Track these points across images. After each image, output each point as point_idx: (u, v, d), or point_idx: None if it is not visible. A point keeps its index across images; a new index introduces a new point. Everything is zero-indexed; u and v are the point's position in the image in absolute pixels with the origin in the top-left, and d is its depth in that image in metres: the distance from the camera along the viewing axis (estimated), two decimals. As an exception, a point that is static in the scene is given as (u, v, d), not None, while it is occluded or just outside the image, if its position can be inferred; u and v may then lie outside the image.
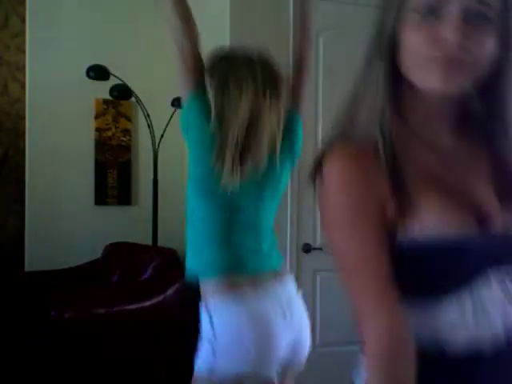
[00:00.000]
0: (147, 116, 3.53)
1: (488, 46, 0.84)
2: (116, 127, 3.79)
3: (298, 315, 1.60)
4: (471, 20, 0.83)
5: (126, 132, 3.81)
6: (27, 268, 3.60)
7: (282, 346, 1.54)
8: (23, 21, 3.64)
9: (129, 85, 3.43)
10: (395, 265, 0.83)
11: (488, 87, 0.89)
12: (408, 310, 0.84)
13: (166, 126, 3.58)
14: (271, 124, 1.59)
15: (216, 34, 3.45)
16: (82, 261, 3.51)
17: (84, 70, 3.32)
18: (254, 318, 1.49)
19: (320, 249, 3.18)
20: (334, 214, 0.87)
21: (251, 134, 1.57)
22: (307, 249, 3.10)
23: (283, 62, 3.28)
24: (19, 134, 3.65)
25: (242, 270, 1.54)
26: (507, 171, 0.92)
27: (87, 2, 3.73)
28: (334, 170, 0.86)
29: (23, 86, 3.66)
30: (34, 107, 3.64)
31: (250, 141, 1.57)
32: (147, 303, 2.82)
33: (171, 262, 3.17)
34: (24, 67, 3.65)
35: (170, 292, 2.89)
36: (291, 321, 1.56)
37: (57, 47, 3.67)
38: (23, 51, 3.65)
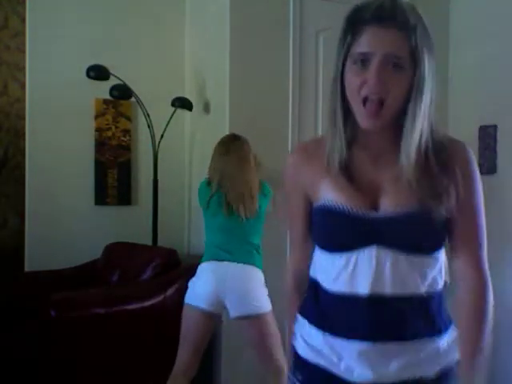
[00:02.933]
0: (147, 116, 3.53)
1: (401, 85, 1.18)
2: (116, 127, 3.79)
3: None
4: (388, 68, 1.16)
5: (126, 132, 3.81)
6: (27, 268, 3.60)
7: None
8: (23, 21, 3.64)
9: (129, 85, 3.43)
10: (314, 218, 1.32)
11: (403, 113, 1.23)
12: (324, 256, 1.31)
13: (166, 126, 3.57)
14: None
15: (216, 33, 3.45)
16: (82, 261, 3.51)
17: (84, 69, 3.32)
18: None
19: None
20: (285, 194, 1.42)
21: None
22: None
23: (283, 62, 3.29)
24: (19, 134, 3.65)
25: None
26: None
27: (87, 2, 3.73)
28: (286, 161, 1.40)
29: (23, 86, 3.65)
30: (34, 107, 3.64)
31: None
32: (147, 303, 2.82)
33: (171, 262, 3.17)
34: (24, 67, 3.65)
35: (169, 292, 2.89)
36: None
37: (57, 47, 3.67)
38: (23, 51, 3.65)
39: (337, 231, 1.27)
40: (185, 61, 3.94)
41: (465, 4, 3.59)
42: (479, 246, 1.31)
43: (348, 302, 1.25)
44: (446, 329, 1.30)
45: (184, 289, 2.61)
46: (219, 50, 3.32)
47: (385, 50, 1.15)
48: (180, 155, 3.90)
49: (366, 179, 1.27)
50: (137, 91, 3.47)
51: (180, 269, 3.11)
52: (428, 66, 1.19)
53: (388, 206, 1.23)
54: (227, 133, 2.95)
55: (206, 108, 3.59)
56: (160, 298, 2.85)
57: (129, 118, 3.81)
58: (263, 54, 3.23)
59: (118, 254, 3.43)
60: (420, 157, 1.24)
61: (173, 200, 3.83)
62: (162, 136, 3.58)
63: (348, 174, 1.27)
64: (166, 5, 3.89)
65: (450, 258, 1.33)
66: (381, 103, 1.18)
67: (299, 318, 1.38)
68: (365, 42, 1.17)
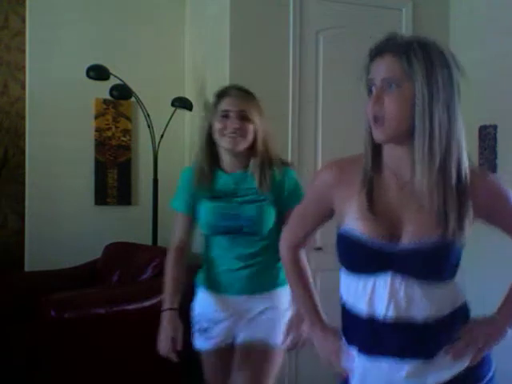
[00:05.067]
0: (147, 116, 3.53)
1: (398, 99, 1.30)
2: (116, 127, 3.79)
3: None
4: (385, 90, 1.31)
5: (126, 132, 3.81)
6: (27, 268, 3.60)
7: None
8: (23, 21, 3.64)
9: (129, 85, 3.43)
10: (338, 242, 1.40)
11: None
12: (348, 277, 1.40)
13: (166, 126, 3.58)
14: None
15: (216, 33, 3.45)
16: (82, 261, 3.51)
17: (84, 69, 3.32)
18: None
19: (320, 249, 3.19)
20: (306, 193, 1.60)
21: None
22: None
23: (283, 62, 3.29)
24: (19, 134, 3.65)
25: None
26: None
27: (87, 2, 3.73)
28: (317, 174, 1.55)
29: (23, 86, 3.66)
30: (34, 107, 3.64)
31: None
32: (147, 303, 2.82)
33: (171, 261, 3.17)
34: (24, 67, 3.65)
35: (170, 292, 2.89)
36: None
37: (57, 47, 3.67)
38: (23, 51, 3.65)
39: (356, 258, 1.38)
40: (185, 61, 3.94)
41: (465, 4, 3.59)
42: None
43: (367, 321, 1.37)
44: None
45: (184, 289, 2.61)
46: (219, 50, 3.32)
47: (380, 76, 1.33)
48: (180, 155, 3.90)
49: (391, 207, 1.36)
50: (137, 91, 3.47)
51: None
52: (425, 82, 1.30)
53: (407, 239, 1.32)
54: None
55: (206, 108, 3.59)
56: (160, 298, 2.85)
57: (129, 118, 3.81)
58: (263, 54, 3.23)
59: (118, 254, 3.43)
60: (443, 184, 1.32)
61: (173, 200, 3.83)
62: (161, 136, 3.58)
63: (374, 199, 1.36)
64: (166, 5, 3.89)
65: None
66: (382, 119, 1.32)
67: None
68: (371, 72, 1.37)
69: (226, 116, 2.03)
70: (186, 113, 3.72)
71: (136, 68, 3.72)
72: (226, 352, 2.09)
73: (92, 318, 2.73)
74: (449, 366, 1.36)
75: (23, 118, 3.65)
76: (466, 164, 1.40)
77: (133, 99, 3.55)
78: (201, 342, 2.11)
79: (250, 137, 2.05)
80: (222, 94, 2.10)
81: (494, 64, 3.35)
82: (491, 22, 3.39)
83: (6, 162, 3.62)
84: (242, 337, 2.07)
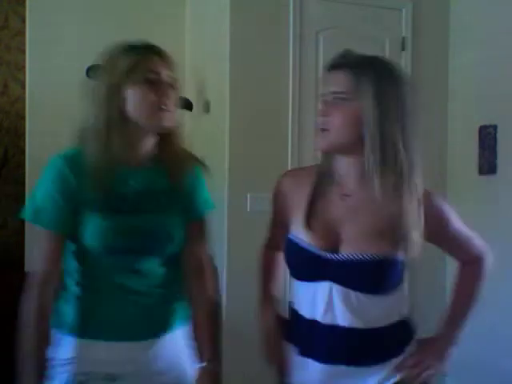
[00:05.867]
0: (147, 116, 3.53)
1: (345, 113, 1.36)
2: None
3: None
4: (334, 103, 1.38)
5: (126, 132, 3.80)
6: (27, 268, 3.60)
7: None
8: (23, 21, 3.64)
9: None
10: (285, 248, 1.49)
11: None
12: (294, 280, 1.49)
13: (166, 125, 3.57)
14: None
15: (216, 33, 3.45)
16: (82, 261, 3.50)
17: (84, 69, 3.31)
18: None
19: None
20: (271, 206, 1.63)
21: None
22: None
23: (282, 62, 3.29)
24: (19, 134, 3.65)
25: None
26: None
27: (87, 2, 3.73)
28: (276, 183, 1.58)
29: (23, 86, 3.65)
30: (34, 107, 3.63)
31: None
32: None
33: (171, 261, 3.16)
34: (24, 67, 3.65)
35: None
36: None
37: (57, 47, 3.66)
38: (23, 51, 3.65)
39: (298, 264, 1.46)
40: (185, 61, 3.94)
41: (465, 4, 3.59)
42: (471, 245, 1.57)
43: (309, 325, 1.44)
44: (396, 355, 1.46)
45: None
46: (219, 50, 3.32)
47: (330, 89, 1.40)
48: (180, 155, 3.89)
49: (332, 218, 1.42)
50: (137, 91, 3.47)
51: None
52: (374, 101, 1.33)
53: (346, 251, 1.38)
54: (227, 133, 2.95)
55: (206, 108, 3.59)
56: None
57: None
58: (263, 54, 3.23)
59: (118, 253, 3.42)
60: (388, 200, 1.36)
61: (173, 200, 3.83)
62: (162, 136, 3.57)
63: (318, 210, 1.43)
64: (166, 5, 3.89)
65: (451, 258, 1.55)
66: (327, 130, 1.39)
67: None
68: (324, 84, 1.45)
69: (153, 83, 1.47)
70: (186, 113, 3.72)
71: (136, 68, 3.72)
72: None
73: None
74: (376, 377, 1.42)
75: (23, 118, 3.64)
76: (419, 183, 1.39)
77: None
78: None
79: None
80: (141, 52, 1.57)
81: (494, 64, 3.35)
82: (491, 21, 3.39)
83: (6, 162, 3.62)
84: None
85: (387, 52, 3.52)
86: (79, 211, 1.44)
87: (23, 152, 3.64)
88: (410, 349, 1.49)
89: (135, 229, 1.45)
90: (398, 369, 1.44)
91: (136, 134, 1.47)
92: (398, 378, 1.43)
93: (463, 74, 3.57)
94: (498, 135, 3.30)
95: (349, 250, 1.38)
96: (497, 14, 3.36)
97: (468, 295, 1.58)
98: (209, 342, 1.57)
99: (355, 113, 1.36)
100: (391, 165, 1.34)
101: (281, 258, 1.59)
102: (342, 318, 1.38)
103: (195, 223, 1.56)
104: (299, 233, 1.43)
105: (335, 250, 1.39)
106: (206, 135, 3.52)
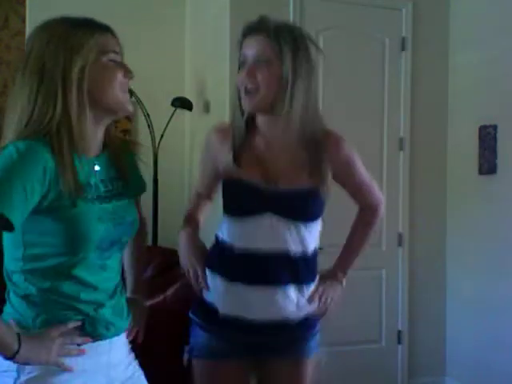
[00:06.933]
0: (147, 116, 3.53)
1: (269, 75, 1.56)
2: (116, 127, 3.76)
3: None
4: (258, 66, 1.57)
5: (126, 132, 3.81)
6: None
7: None
8: (23, 21, 3.64)
9: (128, 84, 3.42)
10: (223, 190, 1.68)
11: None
12: (229, 218, 1.66)
13: (166, 126, 3.58)
14: None
15: (216, 33, 3.45)
16: (82, 261, 3.50)
17: (84, 69, 3.32)
18: None
19: (320, 249, 3.15)
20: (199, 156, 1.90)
21: None
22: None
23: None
24: (19, 134, 3.65)
25: None
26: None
27: (87, 2, 3.73)
28: (206, 136, 1.78)
29: (23, 86, 3.65)
30: (34, 107, 3.64)
31: None
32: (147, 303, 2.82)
33: (171, 262, 3.16)
34: (24, 67, 3.65)
35: (169, 292, 2.89)
36: None
37: (57, 47, 3.66)
38: (23, 51, 3.65)
39: (240, 200, 1.63)
40: (185, 61, 3.94)
41: (465, 4, 3.59)
42: (371, 192, 1.81)
43: (242, 255, 1.63)
44: (309, 283, 1.69)
45: (184, 289, 2.61)
46: (219, 50, 3.32)
47: (253, 54, 1.59)
48: (180, 155, 3.90)
49: (263, 159, 1.64)
50: (137, 91, 3.47)
51: (180, 269, 3.10)
52: (292, 63, 1.56)
53: (282, 184, 1.60)
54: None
55: (206, 108, 3.59)
56: (160, 298, 2.86)
57: (129, 118, 3.81)
58: (263, 54, 3.23)
59: (118, 253, 3.42)
60: (305, 144, 1.62)
61: (173, 200, 3.83)
62: (161, 136, 3.58)
63: (251, 154, 1.65)
64: (166, 5, 3.89)
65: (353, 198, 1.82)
66: (255, 91, 1.57)
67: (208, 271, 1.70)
68: (243, 48, 1.64)
69: None
70: (186, 113, 3.72)
71: (136, 68, 3.69)
72: None
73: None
74: (298, 305, 1.65)
75: (23, 118, 3.65)
76: (322, 125, 1.67)
77: (132, 99, 3.54)
78: None
79: None
80: None
81: (494, 64, 3.35)
82: (491, 22, 3.39)
83: (6, 162, 3.62)
84: None
85: (387, 52, 3.52)
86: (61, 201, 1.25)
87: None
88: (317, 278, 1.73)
89: (115, 216, 1.35)
90: (309, 301, 1.68)
91: (98, 119, 1.35)
92: (310, 309, 1.68)
93: (463, 74, 3.57)
94: (498, 135, 3.30)
95: (285, 184, 1.60)
96: (497, 14, 3.36)
97: (361, 237, 1.84)
98: (135, 275, 1.67)
99: (277, 74, 1.56)
100: (303, 116, 1.59)
101: (208, 206, 1.86)
102: (284, 245, 1.61)
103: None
104: (238, 173, 1.62)
105: (274, 184, 1.61)
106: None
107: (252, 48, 1.59)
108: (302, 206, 1.61)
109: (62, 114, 1.26)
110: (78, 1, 3.73)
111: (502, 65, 3.31)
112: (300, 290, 1.66)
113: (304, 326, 1.70)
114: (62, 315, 1.30)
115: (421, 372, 3.67)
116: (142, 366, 1.65)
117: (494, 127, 3.32)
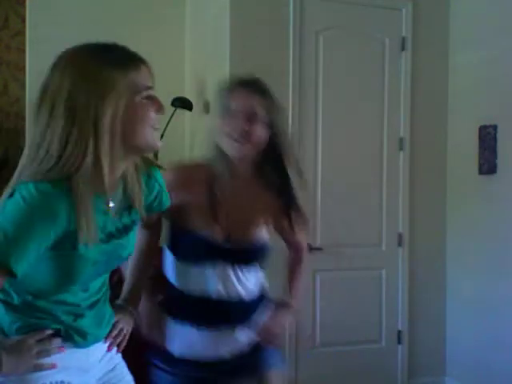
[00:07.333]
0: (147, 116, 3.53)
1: (263, 132, 1.72)
2: (116, 127, 3.78)
3: None
4: (254, 120, 1.71)
5: (126, 132, 3.81)
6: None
7: None
8: (23, 21, 3.64)
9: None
10: (179, 238, 1.81)
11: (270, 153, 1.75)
12: (182, 266, 1.78)
13: (166, 125, 3.57)
14: None
15: (216, 34, 3.45)
16: (82, 261, 3.50)
17: (84, 69, 3.32)
18: None
19: (320, 249, 3.17)
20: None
21: None
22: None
23: (282, 62, 3.29)
24: (19, 134, 3.65)
25: None
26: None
27: (87, 2, 3.73)
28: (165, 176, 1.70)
29: (23, 86, 3.65)
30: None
31: None
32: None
33: (171, 261, 3.16)
34: (24, 67, 3.65)
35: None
36: None
37: (57, 47, 3.65)
38: (23, 51, 3.65)
39: (195, 252, 1.73)
40: (185, 61, 3.94)
41: (465, 4, 3.59)
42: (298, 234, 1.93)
43: (199, 300, 1.74)
44: (252, 321, 1.79)
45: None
46: (219, 50, 3.32)
47: (250, 109, 1.73)
48: (180, 155, 3.90)
49: (226, 210, 1.73)
50: (137, 91, 3.47)
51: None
52: (277, 124, 1.75)
53: (237, 238, 1.72)
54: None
55: (206, 108, 3.59)
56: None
57: (129, 118, 3.81)
58: (263, 54, 3.23)
59: (118, 253, 3.42)
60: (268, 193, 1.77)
61: (173, 200, 3.83)
62: (162, 136, 3.56)
63: (215, 205, 1.73)
64: (166, 5, 3.89)
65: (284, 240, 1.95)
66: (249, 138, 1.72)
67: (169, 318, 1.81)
68: (235, 97, 1.80)
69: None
70: (186, 113, 3.72)
71: (136, 68, 3.72)
72: None
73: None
74: (243, 340, 1.76)
75: (23, 118, 3.64)
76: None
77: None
78: None
79: None
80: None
81: (494, 64, 3.35)
82: (491, 22, 3.39)
83: (6, 162, 3.62)
84: None
85: (387, 52, 3.52)
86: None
87: (23, 152, 3.64)
88: (266, 311, 1.83)
89: (111, 255, 1.33)
90: (259, 331, 1.78)
91: (126, 157, 1.29)
92: (258, 338, 1.79)
93: (463, 74, 3.57)
94: (498, 135, 3.30)
95: (238, 238, 1.72)
96: (497, 14, 3.36)
97: (298, 274, 1.99)
98: (133, 285, 1.78)
99: (266, 133, 1.72)
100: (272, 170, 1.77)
101: (155, 240, 1.93)
102: (234, 291, 1.73)
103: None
104: (199, 226, 1.70)
105: (229, 240, 1.72)
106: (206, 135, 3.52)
107: (248, 103, 1.73)
108: (254, 257, 1.78)
109: (94, 160, 1.18)
110: (78, 1, 3.73)
111: (501, 65, 3.31)
112: (248, 328, 1.78)
113: (257, 352, 1.80)
114: (39, 323, 1.29)
115: (421, 372, 3.67)
116: (142, 363, 1.68)
117: (494, 127, 3.32)
